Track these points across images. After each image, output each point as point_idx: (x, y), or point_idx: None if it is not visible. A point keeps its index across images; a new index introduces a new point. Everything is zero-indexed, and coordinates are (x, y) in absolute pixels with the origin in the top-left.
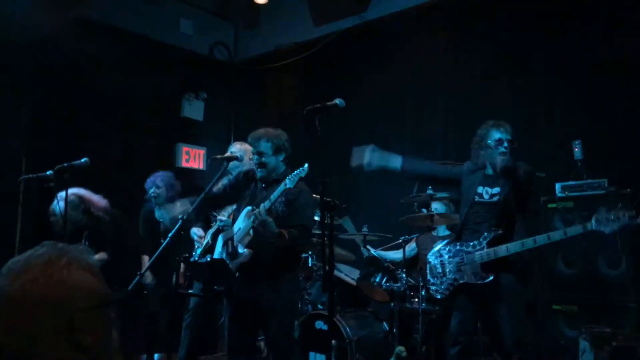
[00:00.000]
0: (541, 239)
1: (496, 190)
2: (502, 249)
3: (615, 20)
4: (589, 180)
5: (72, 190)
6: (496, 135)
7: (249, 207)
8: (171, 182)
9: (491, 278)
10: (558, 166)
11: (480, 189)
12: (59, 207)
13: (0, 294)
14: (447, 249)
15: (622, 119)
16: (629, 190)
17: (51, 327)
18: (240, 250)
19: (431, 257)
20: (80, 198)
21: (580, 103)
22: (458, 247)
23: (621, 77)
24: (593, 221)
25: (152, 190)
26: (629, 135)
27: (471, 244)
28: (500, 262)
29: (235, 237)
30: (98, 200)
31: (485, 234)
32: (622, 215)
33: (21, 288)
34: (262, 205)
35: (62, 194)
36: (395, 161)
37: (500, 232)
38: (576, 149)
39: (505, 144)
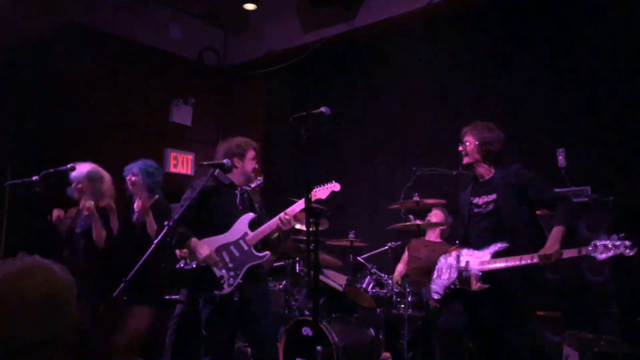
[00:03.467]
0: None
1: (492, 197)
2: (501, 262)
3: (598, 29)
4: (573, 188)
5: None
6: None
7: (251, 215)
8: (149, 171)
9: (486, 287)
10: (542, 174)
11: (475, 199)
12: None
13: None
14: (457, 254)
15: (605, 127)
16: (611, 198)
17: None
18: (259, 254)
19: (442, 260)
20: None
21: (564, 111)
22: (466, 254)
23: (605, 86)
24: (590, 247)
25: (127, 177)
26: (612, 144)
27: (478, 252)
28: (503, 272)
29: (248, 240)
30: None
31: (492, 245)
32: (619, 244)
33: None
34: (282, 214)
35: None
36: None
37: (506, 245)
38: (560, 157)
39: (460, 147)
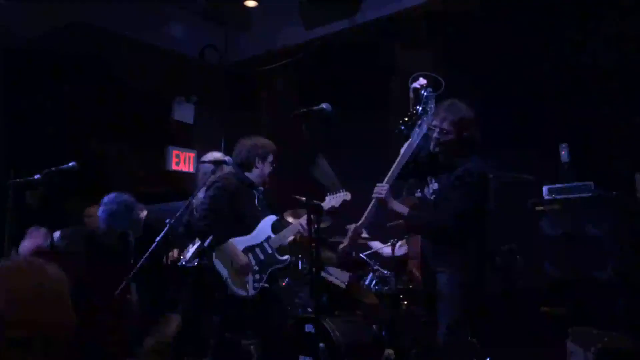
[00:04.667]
0: None
1: (435, 186)
2: None
3: (600, 26)
4: (576, 183)
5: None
6: (435, 120)
7: (274, 217)
8: (112, 212)
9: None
10: (545, 169)
11: (430, 179)
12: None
13: None
14: None
15: (608, 122)
16: (615, 193)
17: None
18: (281, 257)
19: None
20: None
21: (567, 106)
22: None
23: (608, 81)
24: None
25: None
26: (616, 139)
27: None
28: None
29: (272, 243)
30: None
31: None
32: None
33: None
34: (301, 219)
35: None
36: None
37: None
38: (563, 152)
39: (436, 133)
